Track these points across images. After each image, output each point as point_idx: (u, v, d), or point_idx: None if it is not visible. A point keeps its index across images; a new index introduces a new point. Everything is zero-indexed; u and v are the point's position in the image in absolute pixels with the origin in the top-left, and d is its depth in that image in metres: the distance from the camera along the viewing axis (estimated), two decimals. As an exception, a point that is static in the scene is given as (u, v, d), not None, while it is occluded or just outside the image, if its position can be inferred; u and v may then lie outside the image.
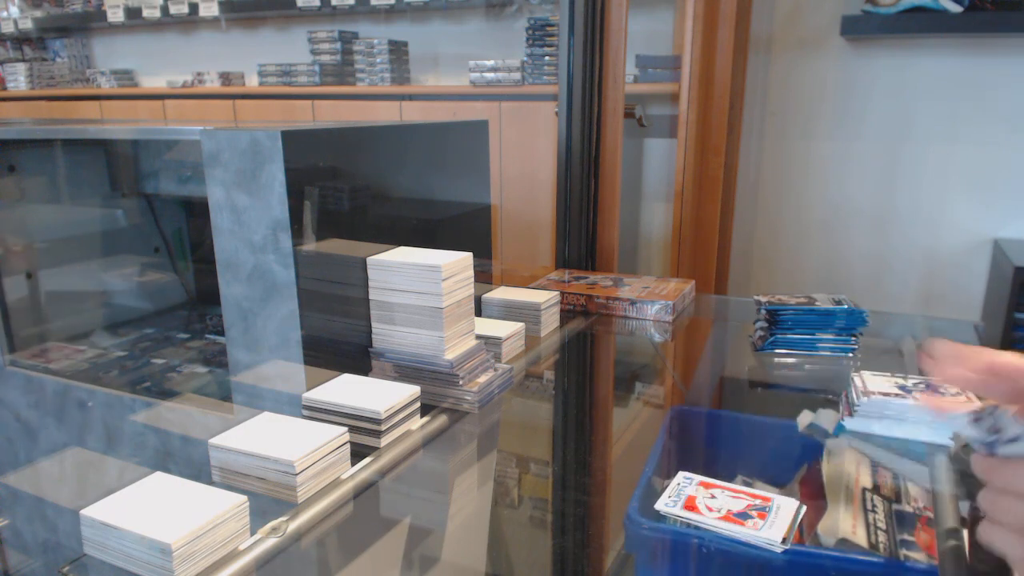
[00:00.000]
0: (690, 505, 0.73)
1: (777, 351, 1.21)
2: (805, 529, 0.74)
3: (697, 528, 0.71)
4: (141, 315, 1.50)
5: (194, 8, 3.24)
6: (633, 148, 2.56)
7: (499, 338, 1.10)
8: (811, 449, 0.91)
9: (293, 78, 3.08)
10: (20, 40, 4.03)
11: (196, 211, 1.57)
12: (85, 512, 0.66)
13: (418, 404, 0.92)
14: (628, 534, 0.74)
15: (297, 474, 0.74)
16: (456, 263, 0.94)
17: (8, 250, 1.29)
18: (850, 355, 1.18)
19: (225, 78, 3.36)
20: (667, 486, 0.77)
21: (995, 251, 2.12)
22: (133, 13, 3.45)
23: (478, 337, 1.02)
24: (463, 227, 1.25)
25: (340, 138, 0.95)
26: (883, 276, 2.31)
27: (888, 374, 0.97)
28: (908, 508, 0.77)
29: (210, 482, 0.76)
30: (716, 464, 0.98)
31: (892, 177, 2.24)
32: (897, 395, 0.90)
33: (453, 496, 0.85)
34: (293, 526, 0.71)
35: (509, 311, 1.24)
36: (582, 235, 1.67)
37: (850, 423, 0.92)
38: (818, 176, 2.33)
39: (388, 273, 0.95)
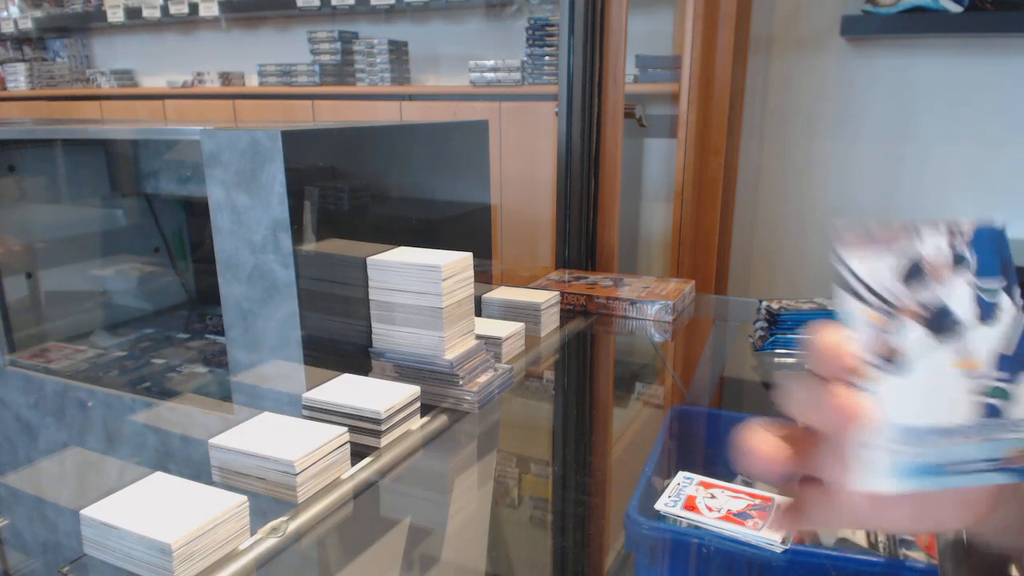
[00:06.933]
0: (690, 505, 0.73)
1: (777, 351, 1.21)
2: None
3: (697, 528, 0.71)
4: (141, 315, 1.50)
5: (194, 8, 3.24)
6: (633, 148, 2.56)
7: (499, 338, 1.10)
8: (811, 449, 0.91)
9: (293, 78, 3.07)
10: (20, 40, 4.03)
11: (196, 211, 1.57)
12: (85, 512, 0.66)
13: (418, 404, 0.92)
14: (628, 534, 0.74)
15: (297, 474, 0.74)
16: (456, 263, 0.94)
17: (8, 250, 1.29)
18: (850, 355, 1.18)
19: (225, 78, 3.36)
20: (667, 486, 0.77)
21: (995, 251, 2.12)
22: (133, 13, 3.45)
23: (478, 337, 1.02)
24: (463, 227, 1.25)
25: (340, 138, 0.95)
26: (883, 276, 2.31)
27: None
28: (908, 508, 0.77)
29: (210, 482, 0.76)
30: (716, 464, 0.98)
31: (892, 177, 2.24)
32: None
33: (453, 496, 0.85)
34: (293, 526, 0.71)
35: (509, 311, 1.24)
36: (582, 235, 1.67)
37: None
38: (818, 176, 2.33)
39: (388, 273, 0.95)
